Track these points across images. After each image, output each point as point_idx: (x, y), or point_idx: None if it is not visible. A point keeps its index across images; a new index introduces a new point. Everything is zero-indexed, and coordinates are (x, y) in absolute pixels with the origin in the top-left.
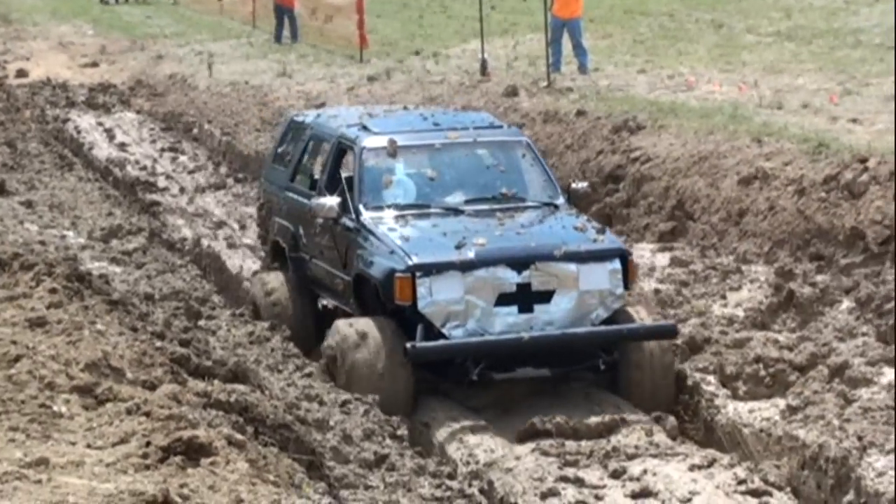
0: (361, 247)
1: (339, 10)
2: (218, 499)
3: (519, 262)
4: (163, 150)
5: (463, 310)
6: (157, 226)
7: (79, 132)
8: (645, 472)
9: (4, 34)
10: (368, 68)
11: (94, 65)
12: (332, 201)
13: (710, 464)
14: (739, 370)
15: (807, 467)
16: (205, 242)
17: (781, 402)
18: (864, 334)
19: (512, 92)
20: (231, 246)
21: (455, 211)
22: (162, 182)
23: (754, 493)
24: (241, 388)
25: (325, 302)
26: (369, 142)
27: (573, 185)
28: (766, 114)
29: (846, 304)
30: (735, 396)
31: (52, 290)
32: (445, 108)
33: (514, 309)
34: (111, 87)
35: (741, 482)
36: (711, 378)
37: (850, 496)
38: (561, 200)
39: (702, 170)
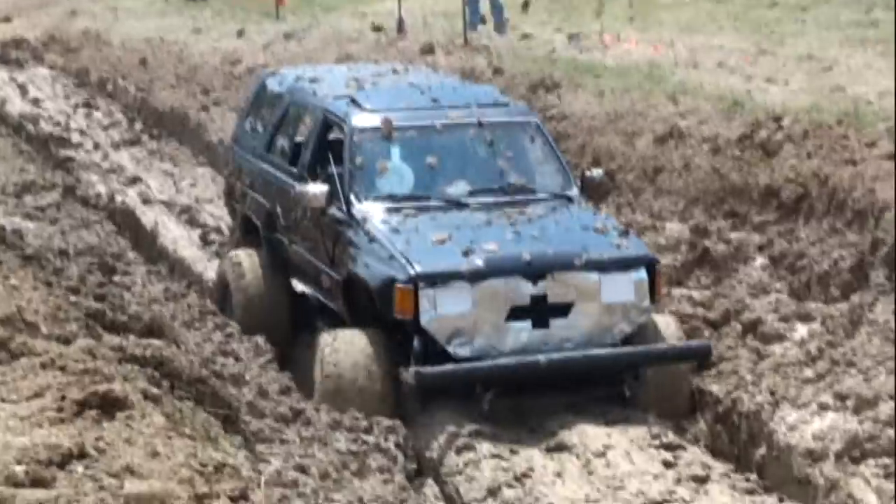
0: (354, 245)
1: None
2: (134, 452)
3: (534, 272)
4: (77, 105)
5: (471, 325)
6: (71, 181)
7: None
8: (560, 426)
9: None
10: (284, 25)
11: (7, 20)
12: (319, 189)
13: (625, 419)
14: None
15: (720, 422)
16: (119, 198)
17: None
18: (777, 291)
19: (428, 50)
20: (146, 202)
21: (458, 204)
22: (76, 138)
23: (668, 447)
24: (156, 342)
25: (302, 287)
26: (361, 120)
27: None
28: (681, 73)
29: (760, 260)
30: None
31: None
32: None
33: (528, 324)
34: (24, 43)
35: (655, 437)
36: None
37: (762, 450)
38: (574, 191)
39: (618, 128)
